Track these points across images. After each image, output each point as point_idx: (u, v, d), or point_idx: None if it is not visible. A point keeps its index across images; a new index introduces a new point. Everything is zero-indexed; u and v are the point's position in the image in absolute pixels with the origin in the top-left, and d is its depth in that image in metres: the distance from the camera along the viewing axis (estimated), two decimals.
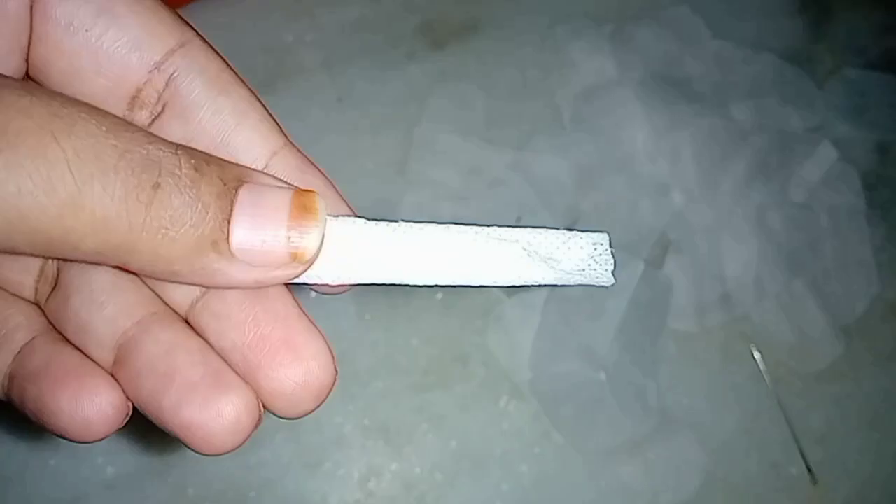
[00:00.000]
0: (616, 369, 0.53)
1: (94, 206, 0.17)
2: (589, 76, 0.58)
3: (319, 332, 0.22)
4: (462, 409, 0.53)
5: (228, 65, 0.23)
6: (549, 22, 0.60)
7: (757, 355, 0.55)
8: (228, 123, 0.22)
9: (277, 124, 0.23)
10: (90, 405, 0.20)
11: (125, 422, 0.21)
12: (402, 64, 0.59)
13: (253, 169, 0.20)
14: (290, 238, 0.19)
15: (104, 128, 0.17)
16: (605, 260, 0.23)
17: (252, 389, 0.21)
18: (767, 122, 0.58)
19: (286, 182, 0.21)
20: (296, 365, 0.21)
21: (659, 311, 0.55)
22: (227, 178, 0.19)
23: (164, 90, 0.22)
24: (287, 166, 0.23)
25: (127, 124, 0.18)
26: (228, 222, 0.19)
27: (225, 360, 0.21)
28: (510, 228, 0.22)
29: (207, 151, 0.20)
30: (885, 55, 0.63)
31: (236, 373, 0.21)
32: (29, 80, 0.19)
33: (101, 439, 0.20)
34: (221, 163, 0.19)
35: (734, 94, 0.58)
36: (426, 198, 0.55)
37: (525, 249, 0.22)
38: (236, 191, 0.19)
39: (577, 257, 0.23)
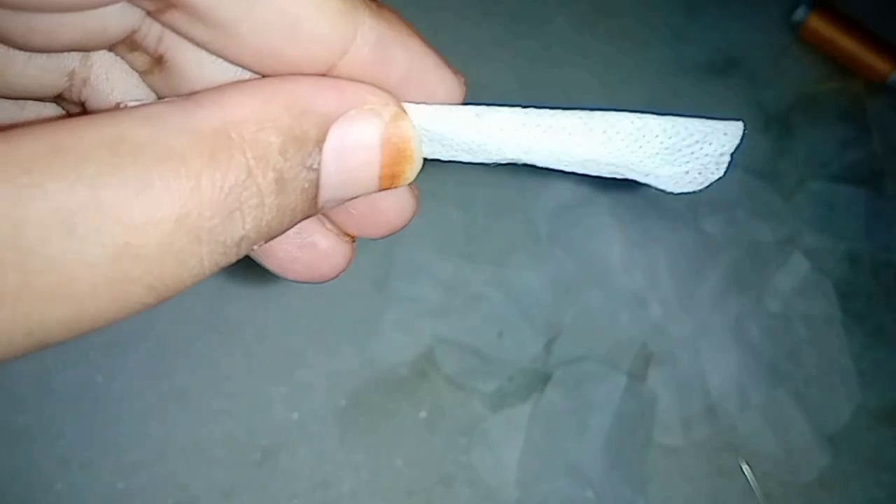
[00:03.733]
0: (604, 487, 0.52)
1: (184, 283, 0.15)
2: (563, 194, 0.60)
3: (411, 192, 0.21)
4: None
5: None
6: None
7: (745, 468, 0.54)
8: (283, 31, 0.17)
9: None
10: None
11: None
12: None
13: (334, 95, 0.17)
14: (381, 182, 0.18)
15: (171, 217, 0.15)
16: (725, 160, 0.19)
17: (341, 235, 0.21)
18: (738, 234, 0.60)
19: (370, 93, 0.18)
20: (381, 225, 0.21)
21: (644, 425, 0.54)
22: (308, 157, 0.16)
23: None
24: (365, 53, 0.18)
25: (182, 176, 0.15)
26: (315, 201, 0.17)
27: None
28: (638, 115, 0.18)
29: (252, 50, 0.17)
30: (849, 168, 0.65)
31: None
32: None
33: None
34: (297, 136, 0.16)
35: (704, 208, 0.60)
36: (406, 314, 0.56)
37: (650, 146, 0.18)
38: (319, 162, 0.16)
39: (699, 157, 0.19)
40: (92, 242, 0.14)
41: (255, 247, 0.16)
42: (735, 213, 0.60)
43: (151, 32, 0.18)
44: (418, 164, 0.18)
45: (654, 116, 0.18)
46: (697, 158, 0.19)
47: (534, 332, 0.56)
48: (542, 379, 0.55)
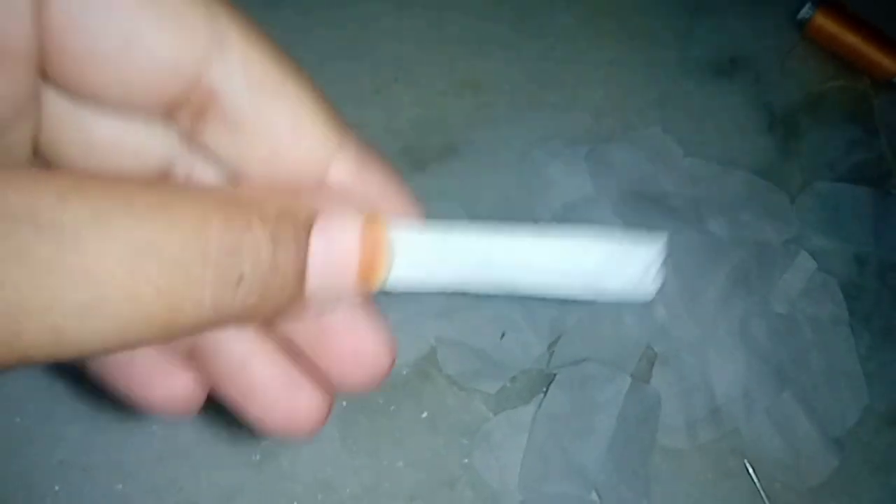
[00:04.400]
0: (608, 490, 0.51)
1: (186, 321, 0.17)
2: (567, 194, 0.59)
3: (382, 326, 0.23)
4: None
5: (273, 55, 0.20)
6: (527, 144, 0.63)
7: (751, 471, 0.54)
8: (281, 135, 0.21)
9: (332, 118, 0.21)
10: (175, 394, 0.22)
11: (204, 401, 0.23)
12: None
13: (318, 196, 0.20)
14: (359, 274, 0.20)
15: (188, 228, 0.17)
16: (656, 272, 0.21)
17: (323, 390, 0.22)
18: (744, 235, 0.59)
19: (351, 199, 0.21)
20: (362, 371, 0.22)
21: (649, 428, 0.54)
22: (298, 230, 0.19)
23: (204, 101, 0.20)
24: (346, 171, 0.22)
25: (203, 205, 0.17)
26: (303, 281, 0.19)
27: (296, 359, 0.22)
28: (569, 238, 0.21)
29: (261, 167, 0.20)
30: (855, 168, 0.65)
31: (307, 371, 0.22)
32: (95, 190, 0.17)
33: (186, 416, 0.23)
34: (291, 211, 0.19)
35: (709, 209, 0.59)
36: (409, 315, 0.55)
37: (584, 263, 0.21)
38: (307, 239, 0.19)
39: (629, 274, 0.21)
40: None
41: (251, 311, 0.19)
42: (740, 214, 0.60)
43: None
44: (390, 265, 0.21)
45: (573, 240, 0.21)
46: (628, 276, 0.21)
47: (537, 333, 0.55)
48: (545, 380, 0.55)
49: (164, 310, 0.17)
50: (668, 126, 0.63)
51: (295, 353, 0.23)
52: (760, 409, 0.55)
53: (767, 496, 0.53)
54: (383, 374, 0.23)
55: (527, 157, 0.62)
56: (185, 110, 0.20)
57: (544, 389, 0.54)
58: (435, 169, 0.61)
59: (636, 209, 0.58)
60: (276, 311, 0.19)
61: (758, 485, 0.54)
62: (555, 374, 0.54)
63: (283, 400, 0.22)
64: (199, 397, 0.23)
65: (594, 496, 0.52)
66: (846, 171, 0.65)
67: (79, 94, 0.20)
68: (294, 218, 0.19)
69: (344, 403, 0.53)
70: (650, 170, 0.61)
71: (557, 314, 0.56)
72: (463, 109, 0.64)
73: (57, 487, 0.49)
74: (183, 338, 0.19)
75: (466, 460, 0.53)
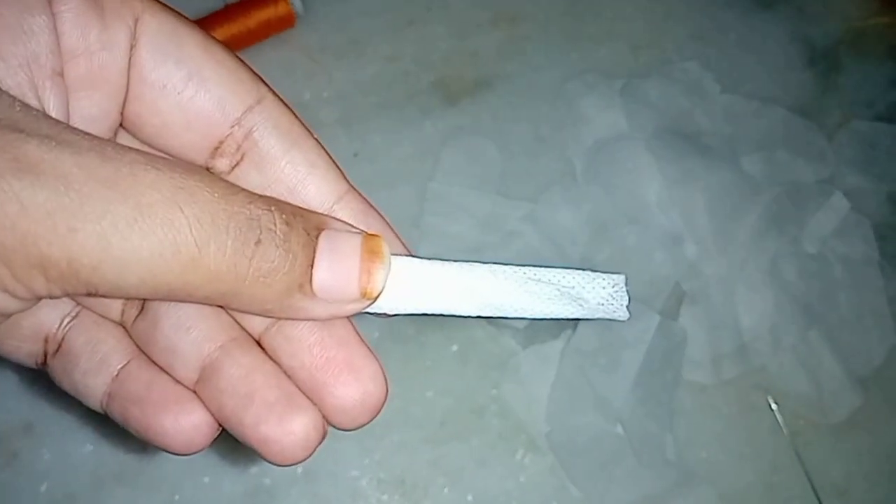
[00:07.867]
0: (633, 422, 0.53)
1: (209, 263, 0.20)
2: (601, 130, 0.59)
3: (375, 355, 0.25)
4: (478, 463, 0.53)
5: (298, 118, 0.26)
6: (561, 78, 0.62)
7: (774, 407, 0.55)
8: (300, 173, 0.25)
9: (341, 172, 0.26)
10: (189, 425, 0.24)
11: (217, 435, 0.25)
12: (416, 120, 0.60)
13: (327, 216, 0.24)
14: (360, 278, 0.23)
15: (216, 194, 0.20)
16: (622, 297, 0.26)
17: (318, 409, 0.24)
18: (778, 174, 0.59)
19: (355, 226, 0.24)
20: (356, 385, 0.24)
21: (675, 363, 0.55)
22: (309, 229, 0.22)
23: (243, 142, 0.25)
24: (352, 210, 0.26)
25: (232, 188, 0.21)
26: (311, 267, 0.22)
27: (294, 379, 0.24)
28: (543, 268, 0.25)
29: (282, 197, 0.23)
30: (894, 107, 0.63)
31: (304, 391, 0.24)
32: (154, 155, 0.21)
33: (200, 451, 0.24)
34: (304, 213, 0.23)
35: (744, 147, 0.59)
36: (441, 250, 0.56)
37: (558, 289, 0.25)
38: (317, 238, 0.22)
39: (598, 295, 0.25)
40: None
41: (269, 304, 0.22)
42: (776, 153, 0.59)
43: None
44: (388, 264, 0.23)
45: (547, 272, 0.25)
46: (601, 298, 0.26)
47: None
48: None
49: (193, 244, 0.20)
50: (706, 60, 0.62)
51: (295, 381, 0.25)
52: (787, 347, 0.55)
53: (789, 430, 0.54)
54: (375, 412, 0.24)
55: (561, 91, 0.61)
56: (225, 153, 0.25)
57: (573, 325, 0.55)
58: (467, 103, 0.61)
59: (670, 146, 0.58)
60: (287, 293, 0.22)
61: (780, 420, 0.55)
62: None
63: (279, 414, 0.23)
64: (210, 428, 0.24)
65: (619, 428, 0.53)
66: (885, 109, 0.64)
67: (147, 128, 0.24)
68: (306, 217, 0.23)
69: (376, 335, 0.55)
70: (686, 106, 0.60)
71: (588, 250, 0.56)
72: (497, 42, 0.63)
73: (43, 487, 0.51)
74: (205, 291, 0.21)
75: (495, 391, 0.54)
